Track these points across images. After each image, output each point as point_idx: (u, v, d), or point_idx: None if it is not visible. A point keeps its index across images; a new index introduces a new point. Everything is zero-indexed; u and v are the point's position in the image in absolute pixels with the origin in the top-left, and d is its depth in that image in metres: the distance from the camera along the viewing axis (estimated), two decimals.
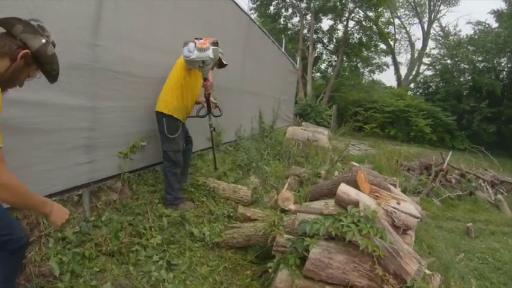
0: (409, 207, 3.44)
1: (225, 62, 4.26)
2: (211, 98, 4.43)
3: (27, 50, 1.64)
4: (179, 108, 3.98)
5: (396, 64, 34.05)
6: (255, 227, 3.75)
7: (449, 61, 28.18)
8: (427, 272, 3.62)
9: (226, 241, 3.86)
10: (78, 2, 2.86)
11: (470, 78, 26.36)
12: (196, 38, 3.62)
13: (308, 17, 28.26)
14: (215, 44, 3.62)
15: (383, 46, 32.31)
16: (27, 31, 1.64)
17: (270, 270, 3.09)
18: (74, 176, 3.15)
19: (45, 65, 1.78)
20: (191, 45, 3.56)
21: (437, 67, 29.68)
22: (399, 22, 33.74)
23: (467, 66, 26.24)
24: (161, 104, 3.96)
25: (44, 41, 1.69)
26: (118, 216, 3.44)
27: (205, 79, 3.83)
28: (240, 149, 6.91)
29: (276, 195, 4.57)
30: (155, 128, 4.11)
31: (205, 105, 4.39)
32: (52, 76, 1.86)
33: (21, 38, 1.64)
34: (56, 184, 2.97)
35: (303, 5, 27.95)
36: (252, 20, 7.72)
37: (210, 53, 3.51)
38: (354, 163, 4.86)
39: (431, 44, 33.42)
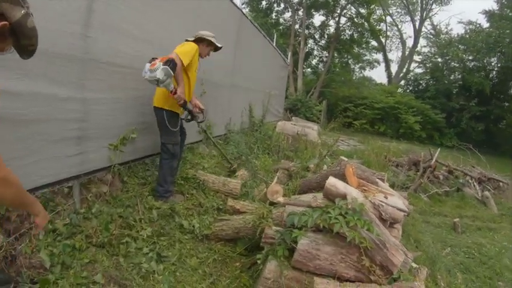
0: (396, 201, 3.50)
1: (219, 45, 4.35)
2: (198, 103, 4.59)
3: (5, 22, 1.40)
4: (175, 102, 4.00)
5: (387, 61, 34.23)
6: (244, 219, 3.78)
7: (439, 59, 28.42)
8: (414, 265, 3.69)
9: (215, 233, 3.89)
10: None
11: (460, 76, 26.65)
12: (153, 58, 3.76)
13: (300, 13, 28.30)
14: (168, 62, 3.68)
15: (374, 43, 32.49)
16: (6, 0, 1.40)
17: (258, 262, 3.12)
18: (64, 167, 3.14)
19: (24, 39, 1.53)
20: (146, 66, 3.71)
21: (427, 65, 29.94)
22: (391, 20, 33.86)
23: (457, 65, 26.50)
24: (161, 100, 4.01)
25: (23, 11, 1.46)
26: (108, 208, 3.44)
27: (171, 92, 3.85)
28: (229, 142, 6.93)
29: (265, 189, 4.61)
30: (146, 120, 4.12)
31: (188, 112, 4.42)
32: (29, 51, 1.62)
33: None
34: (46, 176, 2.96)
35: (295, 0, 27.96)
36: (244, 14, 7.72)
37: (157, 73, 3.60)
38: (343, 158, 4.91)
39: (422, 42, 33.69)
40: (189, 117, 4.44)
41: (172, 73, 3.69)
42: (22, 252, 2.60)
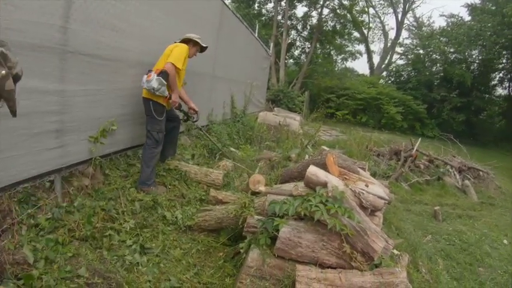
0: (377, 189, 3.56)
1: (204, 45, 4.66)
2: (192, 105, 4.95)
3: None
4: (162, 96, 4.18)
5: (369, 52, 34.37)
6: (227, 209, 3.82)
7: (421, 51, 28.64)
8: (395, 252, 3.77)
9: (198, 224, 3.91)
10: None
11: (441, 68, 26.89)
12: (149, 70, 4.18)
13: (283, 3, 28.19)
14: (161, 73, 4.08)
15: (356, 34, 32.61)
16: None
17: (241, 251, 3.16)
18: (45, 161, 3.12)
19: (3, 99, 1.54)
20: (144, 77, 4.12)
21: (409, 57, 30.18)
22: (374, 11, 34.03)
23: (439, 57, 26.74)
24: (149, 93, 4.14)
25: (4, 72, 1.46)
26: (90, 202, 3.44)
27: (166, 97, 4.21)
28: (211, 133, 6.93)
29: (247, 179, 4.64)
30: (125, 112, 4.12)
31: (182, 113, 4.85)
32: (11, 112, 1.62)
33: None
34: (26, 170, 2.95)
35: None
36: (226, 4, 7.68)
37: (153, 83, 4.02)
38: (324, 147, 4.95)
39: (404, 34, 33.90)
40: (185, 117, 4.95)
41: (165, 82, 4.07)
42: (5, 249, 2.58)
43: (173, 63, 4.07)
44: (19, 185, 2.92)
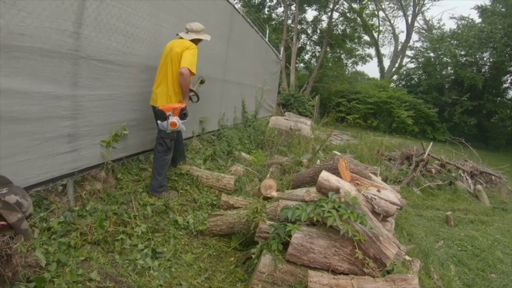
0: (389, 194, 3.54)
1: (208, 39, 4.49)
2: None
3: (3, 222, 1.85)
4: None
5: (379, 56, 34.25)
6: (238, 214, 3.80)
7: (432, 54, 28.40)
8: (407, 258, 3.73)
9: (210, 229, 3.91)
10: None
11: (452, 71, 26.66)
12: (168, 116, 3.96)
13: (293, 7, 28.17)
14: (182, 115, 4.02)
15: (366, 38, 32.46)
16: (5, 208, 1.83)
17: (253, 256, 3.14)
18: (57, 165, 3.15)
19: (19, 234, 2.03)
20: (164, 124, 3.98)
21: (420, 60, 29.91)
22: (384, 14, 33.91)
23: (449, 60, 26.45)
24: (163, 102, 4.05)
25: (19, 216, 1.87)
26: (102, 206, 3.46)
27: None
28: (222, 138, 6.94)
29: (258, 184, 4.62)
30: (137, 117, 4.14)
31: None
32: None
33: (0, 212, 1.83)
34: (39, 174, 2.97)
35: None
36: (236, 9, 7.71)
37: (179, 128, 3.99)
38: (336, 152, 4.93)
39: (414, 37, 33.86)
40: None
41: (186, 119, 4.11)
42: (18, 251, 2.59)
43: (189, 69, 3.89)
44: (32, 188, 2.94)
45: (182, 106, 4.05)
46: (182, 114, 4.07)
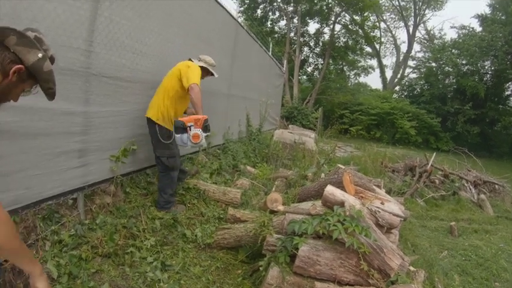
0: (393, 207, 3.59)
1: (216, 75, 4.51)
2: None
3: (20, 66, 1.40)
4: (168, 120, 4.05)
5: (381, 67, 34.47)
6: (245, 227, 3.87)
7: (433, 64, 28.54)
8: (411, 268, 3.76)
9: (217, 242, 3.96)
10: (74, 9, 2.91)
11: (454, 81, 26.74)
12: (188, 127, 3.77)
13: (295, 21, 28.43)
14: (205, 127, 3.83)
15: (368, 49, 32.71)
16: (21, 43, 1.41)
17: (261, 269, 3.19)
18: (68, 179, 3.21)
19: (41, 82, 1.53)
20: (184, 137, 3.78)
21: (422, 70, 30.10)
22: (385, 25, 34.19)
23: (451, 69, 26.58)
24: (152, 112, 4.04)
25: (40, 55, 1.45)
26: (112, 219, 3.52)
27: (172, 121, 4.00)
28: (227, 152, 7.01)
29: (264, 197, 4.68)
30: (145, 132, 4.19)
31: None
32: (49, 94, 1.63)
33: (14, 50, 1.39)
34: (50, 188, 3.03)
35: (290, 9, 28.10)
36: (240, 24, 7.83)
37: (202, 143, 3.80)
38: (340, 165, 4.98)
39: (416, 47, 34.00)
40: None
41: (209, 132, 3.91)
42: None
43: (197, 84, 3.82)
44: (43, 202, 3.00)
45: (206, 117, 3.81)
46: (205, 127, 3.82)
